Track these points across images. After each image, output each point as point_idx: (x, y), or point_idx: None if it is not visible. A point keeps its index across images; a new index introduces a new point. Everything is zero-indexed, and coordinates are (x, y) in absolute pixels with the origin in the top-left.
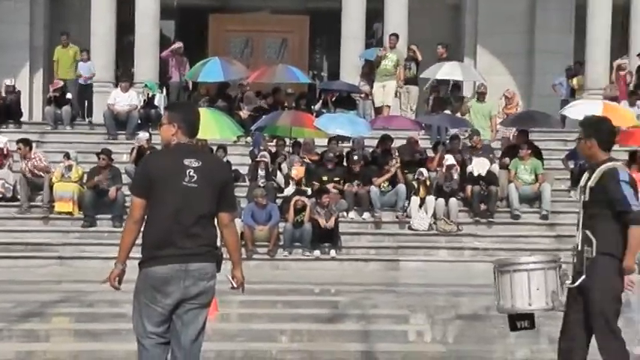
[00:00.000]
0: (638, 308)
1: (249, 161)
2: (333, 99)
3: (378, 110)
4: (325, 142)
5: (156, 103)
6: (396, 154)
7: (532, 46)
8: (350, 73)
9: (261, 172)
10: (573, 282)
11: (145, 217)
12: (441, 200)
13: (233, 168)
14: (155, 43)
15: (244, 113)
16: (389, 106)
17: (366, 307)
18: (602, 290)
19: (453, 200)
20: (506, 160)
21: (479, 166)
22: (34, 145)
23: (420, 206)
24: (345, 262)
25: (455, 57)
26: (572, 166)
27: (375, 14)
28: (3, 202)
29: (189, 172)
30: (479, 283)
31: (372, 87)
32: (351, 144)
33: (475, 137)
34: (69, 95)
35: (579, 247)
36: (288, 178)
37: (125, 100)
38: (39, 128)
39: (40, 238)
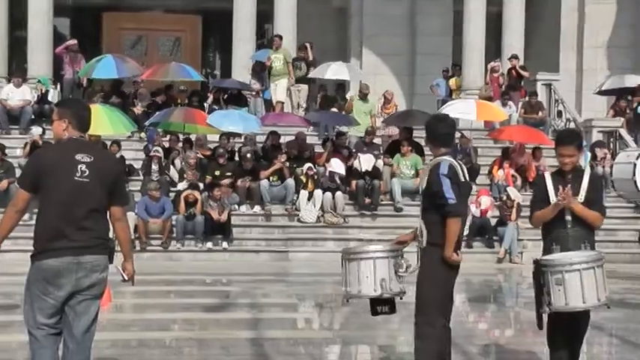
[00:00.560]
0: (509, 293)
1: (143, 156)
2: (225, 96)
3: (275, 108)
4: (217, 137)
5: (49, 98)
6: (285, 149)
7: (414, 48)
8: (241, 72)
9: (155, 167)
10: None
11: (36, 210)
12: (328, 194)
13: (127, 162)
14: (48, 40)
15: (138, 109)
16: (282, 102)
17: (256, 297)
18: (430, 279)
19: (339, 194)
20: (389, 158)
21: (365, 161)
22: None
23: (309, 199)
24: (237, 253)
25: (341, 58)
26: None
27: (265, 16)
28: None
29: (80, 167)
30: None
31: (263, 85)
32: (242, 140)
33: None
34: None
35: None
36: (181, 172)
37: (18, 95)
38: None
39: None
